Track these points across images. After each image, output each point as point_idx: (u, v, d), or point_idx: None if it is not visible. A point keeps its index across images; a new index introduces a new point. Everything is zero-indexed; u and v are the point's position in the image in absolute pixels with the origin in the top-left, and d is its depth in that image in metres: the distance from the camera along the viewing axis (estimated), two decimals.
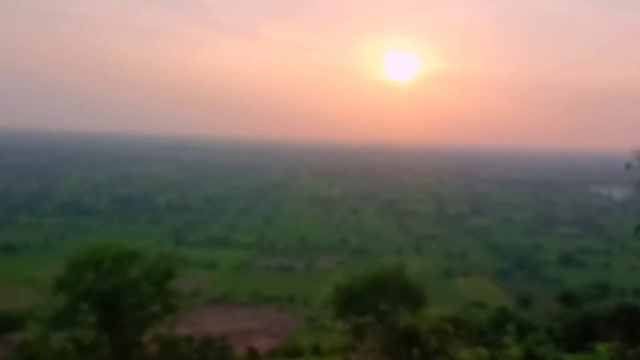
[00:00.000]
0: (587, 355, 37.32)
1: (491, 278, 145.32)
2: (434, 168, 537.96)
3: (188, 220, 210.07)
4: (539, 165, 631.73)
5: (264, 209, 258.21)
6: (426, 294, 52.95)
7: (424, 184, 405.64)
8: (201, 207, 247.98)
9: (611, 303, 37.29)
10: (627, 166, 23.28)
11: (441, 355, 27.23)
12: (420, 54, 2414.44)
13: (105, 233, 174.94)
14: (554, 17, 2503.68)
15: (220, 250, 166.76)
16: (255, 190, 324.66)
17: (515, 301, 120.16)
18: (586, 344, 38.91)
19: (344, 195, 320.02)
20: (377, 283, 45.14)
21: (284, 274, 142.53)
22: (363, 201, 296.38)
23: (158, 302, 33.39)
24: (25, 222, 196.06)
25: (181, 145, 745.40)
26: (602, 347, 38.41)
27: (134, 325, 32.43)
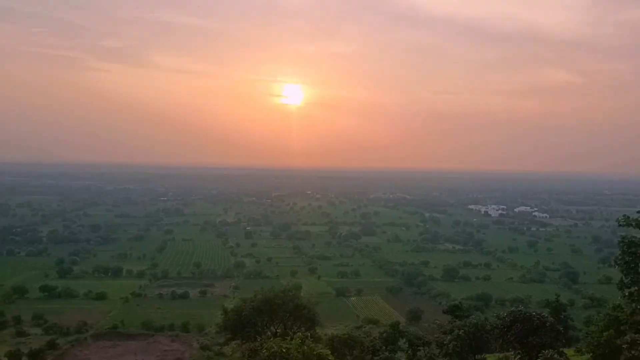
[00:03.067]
0: None
1: (382, 295, 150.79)
2: (326, 191, 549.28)
3: (74, 251, 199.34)
4: (422, 186, 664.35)
5: (156, 236, 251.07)
6: (319, 313, 54.37)
7: (316, 206, 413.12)
8: (88, 236, 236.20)
9: (505, 312, 37.91)
10: None
11: None
12: (309, 81, 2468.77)
13: None
14: (429, 49, 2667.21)
15: (110, 281, 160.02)
16: (146, 218, 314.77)
17: (406, 316, 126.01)
18: (477, 356, 40.70)
19: (239, 219, 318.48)
20: (268, 306, 45.64)
21: (178, 302, 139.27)
22: (257, 225, 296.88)
23: None
24: None
25: (65, 173, 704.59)
26: (493, 359, 40.74)
27: None
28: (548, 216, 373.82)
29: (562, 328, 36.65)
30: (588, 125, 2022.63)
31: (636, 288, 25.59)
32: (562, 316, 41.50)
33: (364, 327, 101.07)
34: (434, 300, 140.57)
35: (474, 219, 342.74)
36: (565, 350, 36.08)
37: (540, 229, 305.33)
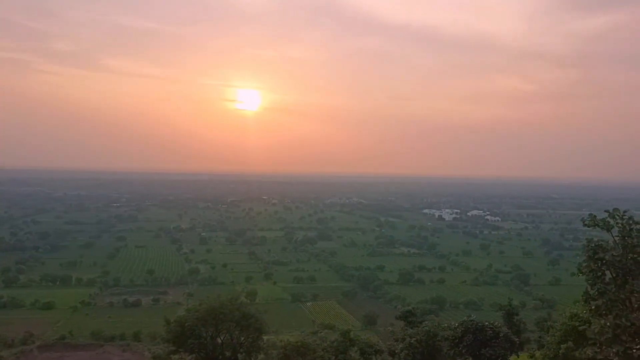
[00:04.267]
0: None
1: (338, 300, 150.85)
2: (281, 196, 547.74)
3: (21, 259, 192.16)
4: (378, 191, 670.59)
5: (108, 243, 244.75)
6: (267, 322, 53.29)
7: (272, 211, 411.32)
8: (36, 244, 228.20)
9: (456, 322, 36.67)
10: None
11: None
12: (266, 86, 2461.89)
13: None
14: (385, 56, 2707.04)
15: (58, 290, 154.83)
16: (98, 224, 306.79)
17: (361, 321, 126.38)
18: None
19: (194, 225, 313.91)
20: (213, 316, 44.18)
21: (130, 310, 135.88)
22: (213, 231, 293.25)
23: None
24: None
25: (13, 179, 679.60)
26: None
27: None
28: (500, 219, 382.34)
29: (517, 339, 36.35)
30: (537, 132, 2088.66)
31: (603, 300, 22.48)
32: (515, 320, 41.56)
33: (320, 332, 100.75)
34: (389, 304, 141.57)
35: (429, 223, 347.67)
36: (519, 355, 36.19)
37: (493, 232, 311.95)
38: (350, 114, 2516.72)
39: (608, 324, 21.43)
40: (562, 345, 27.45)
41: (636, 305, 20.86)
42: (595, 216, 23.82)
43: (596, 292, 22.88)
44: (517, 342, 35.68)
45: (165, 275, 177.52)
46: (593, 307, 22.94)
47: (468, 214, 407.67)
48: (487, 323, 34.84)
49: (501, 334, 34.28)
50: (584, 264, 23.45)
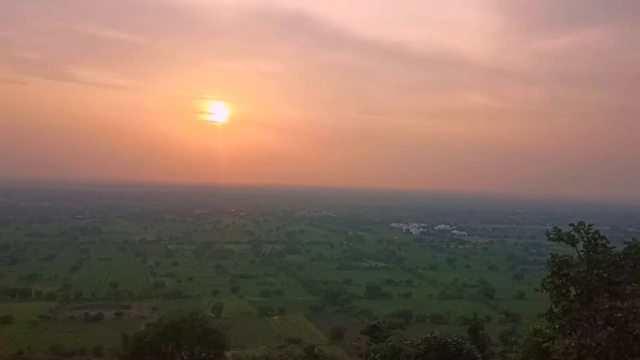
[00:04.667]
0: None
1: (306, 314, 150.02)
2: (250, 208, 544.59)
3: None
4: (347, 204, 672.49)
5: (70, 255, 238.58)
6: (229, 337, 52.26)
7: (240, 224, 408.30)
8: None
9: (419, 338, 36.11)
10: None
11: None
12: (237, 99, 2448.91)
13: None
14: (357, 71, 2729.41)
15: (17, 303, 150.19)
16: (61, 236, 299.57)
17: (328, 335, 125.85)
18: None
19: (160, 238, 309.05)
20: (174, 331, 43.09)
21: (92, 324, 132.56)
22: (179, 243, 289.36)
23: None
24: None
25: None
26: None
27: None
28: (466, 234, 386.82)
29: (479, 355, 36.15)
30: (505, 148, 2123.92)
31: (568, 319, 21.19)
32: (480, 334, 41.59)
33: (286, 347, 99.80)
34: (356, 318, 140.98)
35: (397, 237, 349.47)
36: None
37: (459, 246, 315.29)
38: (322, 127, 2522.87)
39: (572, 344, 19.99)
40: None
41: (601, 325, 19.55)
42: (560, 230, 22.56)
43: (560, 310, 21.64)
44: (480, 358, 35.53)
45: (129, 288, 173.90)
46: (557, 327, 21.64)
47: (435, 228, 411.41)
48: (450, 340, 34.55)
49: (464, 351, 34.03)
50: (549, 280, 22.09)
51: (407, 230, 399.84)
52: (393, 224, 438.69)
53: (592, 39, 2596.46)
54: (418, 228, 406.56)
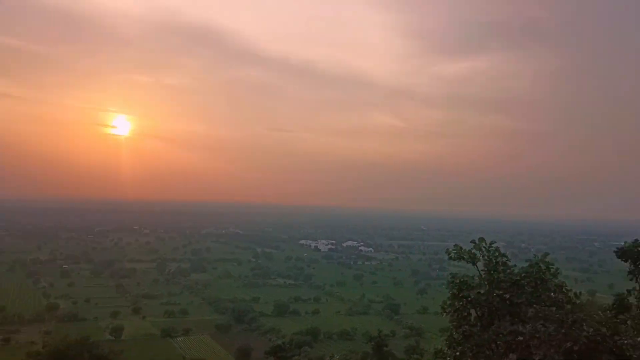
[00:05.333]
0: None
1: (212, 334, 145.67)
2: (154, 225, 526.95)
3: None
4: (255, 221, 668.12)
5: None
6: None
7: (143, 242, 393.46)
8: None
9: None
10: None
11: None
12: (142, 112, 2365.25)
13: None
14: (265, 87, 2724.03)
15: None
16: None
17: (234, 355, 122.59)
18: None
19: (54, 257, 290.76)
20: (59, 358, 39.96)
21: None
22: (76, 263, 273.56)
23: None
24: None
25: None
26: None
27: None
28: (373, 250, 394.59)
29: None
30: (410, 167, 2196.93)
31: (469, 345, 19.95)
32: (384, 351, 41.61)
33: None
34: (264, 337, 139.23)
35: (305, 254, 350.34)
36: None
37: (366, 263, 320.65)
38: (229, 143, 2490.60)
39: None
40: None
41: (502, 350, 18.66)
42: (461, 247, 21.66)
43: (461, 336, 20.42)
44: None
45: (18, 311, 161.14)
46: (458, 354, 20.35)
47: (343, 244, 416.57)
48: None
49: None
50: (448, 303, 21.10)
51: (316, 247, 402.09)
52: (302, 241, 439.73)
53: (487, 64, 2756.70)
54: (326, 245, 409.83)
